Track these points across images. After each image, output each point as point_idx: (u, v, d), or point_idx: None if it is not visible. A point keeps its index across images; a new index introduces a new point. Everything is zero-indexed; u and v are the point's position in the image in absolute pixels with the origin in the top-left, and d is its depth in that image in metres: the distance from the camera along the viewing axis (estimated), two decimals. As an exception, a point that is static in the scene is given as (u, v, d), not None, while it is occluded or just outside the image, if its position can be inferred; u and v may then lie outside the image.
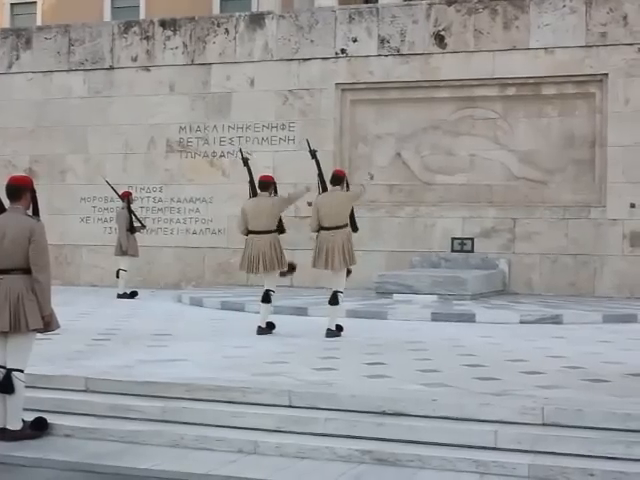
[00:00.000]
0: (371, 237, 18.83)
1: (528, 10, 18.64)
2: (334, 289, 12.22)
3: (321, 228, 12.14)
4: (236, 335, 12.13)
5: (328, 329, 12.09)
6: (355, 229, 12.46)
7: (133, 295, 17.99)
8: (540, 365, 9.47)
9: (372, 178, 19.39)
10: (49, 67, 21.91)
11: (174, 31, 21.05)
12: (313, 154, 12.67)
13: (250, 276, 17.54)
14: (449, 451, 6.91)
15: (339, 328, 12.17)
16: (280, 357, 9.96)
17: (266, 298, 12.43)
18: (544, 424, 7.10)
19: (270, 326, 12.47)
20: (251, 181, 12.78)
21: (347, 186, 12.42)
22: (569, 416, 7.07)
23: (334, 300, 12.11)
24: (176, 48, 21.01)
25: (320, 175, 12.45)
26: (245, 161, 13.07)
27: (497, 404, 7.36)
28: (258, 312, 13.04)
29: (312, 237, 17.95)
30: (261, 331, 12.32)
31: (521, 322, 14.01)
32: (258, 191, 12.56)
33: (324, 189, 12.37)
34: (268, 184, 12.52)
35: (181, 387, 8.18)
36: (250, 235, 12.38)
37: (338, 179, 12.26)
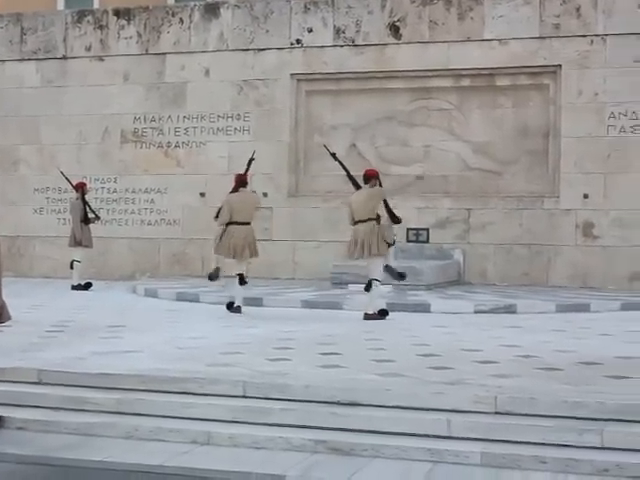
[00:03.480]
0: (326, 228, 18.80)
1: (482, 1, 18.71)
2: (370, 277, 13.08)
3: (355, 222, 13.23)
4: (191, 326, 12.10)
5: (365, 313, 13.03)
6: (395, 221, 13.46)
7: (87, 286, 17.85)
8: (494, 354, 9.53)
9: None
10: (1, 56, 21.66)
11: (128, 20, 20.89)
12: (334, 156, 14.01)
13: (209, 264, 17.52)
14: (403, 440, 6.93)
15: (383, 312, 13.08)
16: (235, 348, 9.94)
17: (243, 280, 13.59)
18: (497, 412, 7.14)
19: (238, 309, 13.58)
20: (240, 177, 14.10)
21: (380, 184, 13.43)
22: (522, 404, 7.12)
23: (368, 287, 13.00)
24: (130, 38, 20.86)
25: (348, 175, 13.68)
26: (250, 161, 14.34)
27: (451, 393, 7.40)
28: (213, 303, 13.85)
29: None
30: (235, 310, 13.50)
31: (475, 312, 14.11)
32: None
33: (357, 187, 13.46)
34: (246, 182, 14.04)
35: (136, 378, 8.13)
36: (232, 225, 13.56)
37: (367, 178, 13.32)
